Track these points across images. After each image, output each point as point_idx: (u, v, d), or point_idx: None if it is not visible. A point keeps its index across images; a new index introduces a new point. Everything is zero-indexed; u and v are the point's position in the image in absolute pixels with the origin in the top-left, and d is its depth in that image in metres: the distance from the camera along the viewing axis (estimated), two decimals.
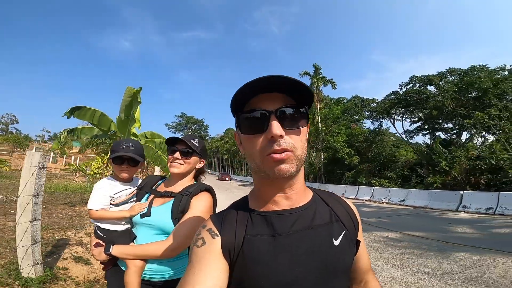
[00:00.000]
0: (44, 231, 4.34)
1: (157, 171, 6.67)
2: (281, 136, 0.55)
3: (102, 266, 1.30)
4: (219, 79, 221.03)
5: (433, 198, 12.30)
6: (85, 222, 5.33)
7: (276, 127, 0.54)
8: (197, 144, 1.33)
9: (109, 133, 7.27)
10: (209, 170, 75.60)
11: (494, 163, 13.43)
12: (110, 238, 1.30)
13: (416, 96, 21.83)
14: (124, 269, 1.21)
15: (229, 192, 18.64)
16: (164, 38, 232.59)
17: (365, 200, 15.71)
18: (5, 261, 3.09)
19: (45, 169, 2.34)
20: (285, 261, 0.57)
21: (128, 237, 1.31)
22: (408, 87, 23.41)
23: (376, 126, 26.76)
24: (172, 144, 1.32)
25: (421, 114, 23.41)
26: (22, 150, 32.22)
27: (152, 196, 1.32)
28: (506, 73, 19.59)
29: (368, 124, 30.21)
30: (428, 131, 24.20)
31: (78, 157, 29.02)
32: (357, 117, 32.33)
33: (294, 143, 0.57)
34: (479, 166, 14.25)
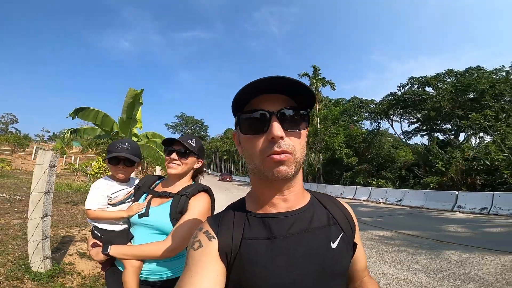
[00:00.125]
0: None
1: (158, 170, 6.83)
2: (281, 138, 0.55)
3: (101, 266, 1.30)
4: (219, 79, 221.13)
5: (429, 198, 12.50)
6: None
7: (277, 129, 0.54)
8: (194, 144, 1.32)
9: (111, 133, 7.44)
10: (209, 171, 75.47)
11: (489, 163, 13.60)
12: (107, 238, 1.29)
13: (414, 97, 22.02)
14: (121, 270, 1.21)
15: (229, 192, 18.76)
16: (164, 38, 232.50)
17: (363, 200, 15.87)
18: (13, 256, 3.23)
19: (56, 167, 2.50)
20: (282, 264, 0.57)
21: (125, 237, 1.31)
22: (406, 88, 23.63)
23: (375, 127, 27.04)
24: (169, 145, 1.32)
25: (419, 115, 23.61)
26: (22, 150, 32.33)
27: (150, 196, 1.32)
28: (504, 74, 19.82)
29: (367, 125, 30.46)
30: (426, 132, 24.43)
31: (78, 157, 29.16)
32: (356, 118, 32.56)
33: (294, 145, 0.57)
34: (475, 167, 14.42)
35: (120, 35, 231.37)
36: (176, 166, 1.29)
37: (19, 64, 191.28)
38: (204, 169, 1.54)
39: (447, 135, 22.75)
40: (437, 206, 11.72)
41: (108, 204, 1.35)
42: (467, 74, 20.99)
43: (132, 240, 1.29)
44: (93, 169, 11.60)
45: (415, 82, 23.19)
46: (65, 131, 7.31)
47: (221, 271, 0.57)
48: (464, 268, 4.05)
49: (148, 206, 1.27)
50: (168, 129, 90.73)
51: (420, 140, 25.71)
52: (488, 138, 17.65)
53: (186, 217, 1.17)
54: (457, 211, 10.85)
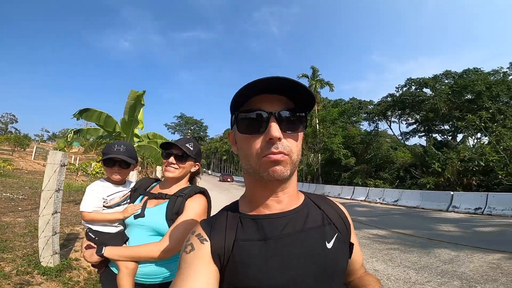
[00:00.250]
0: None
1: (159, 170, 6.99)
2: (279, 139, 0.55)
3: (96, 269, 1.30)
4: (219, 79, 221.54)
5: (424, 199, 12.71)
6: None
7: (275, 129, 0.54)
8: (192, 148, 1.33)
9: (113, 134, 7.60)
10: (209, 171, 75.62)
11: (483, 164, 13.79)
12: (101, 240, 1.28)
13: (411, 99, 22.23)
14: (116, 272, 1.20)
15: (228, 192, 18.82)
16: (164, 38, 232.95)
17: (361, 201, 16.06)
18: (22, 253, 3.39)
19: (65, 166, 2.67)
20: (276, 265, 0.57)
21: (120, 238, 1.30)
22: (404, 89, 23.84)
23: (373, 128, 27.25)
24: (167, 148, 1.33)
25: (417, 116, 23.82)
26: (22, 149, 32.40)
27: (146, 198, 1.32)
28: (501, 76, 20.03)
29: (365, 125, 30.69)
30: (424, 133, 24.65)
31: (78, 157, 29.28)
32: (354, 119, 32.79)
33: (291, 147, 0.57)
34: (471, 167, 14.62)
35: (120, 35, 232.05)
36: (174, 170, 1.30)
37: (19, 64, 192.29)
38: (204, 169, 1.60)
39: (445, 136, 22.95)
40: (433, 206, 11.92)
41: (104, 206, 1.34)
42: (464, 76, 21.18)
43: (127, 242, 1.28)
44: (94, 169, 11.79)
45: (413, 84, 23.38)
46: (69, 131, 7.46)
47: (213, 274, 0.57)
48: (452, 265, 4.22)
49: (144, 207, 1.27)
50: (168, 129, 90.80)
51: (418, 141, 25.91)
52: (485, 139, 17.86)
53: (182, 218, 1.17)
54: (452, 211, 11.05)
